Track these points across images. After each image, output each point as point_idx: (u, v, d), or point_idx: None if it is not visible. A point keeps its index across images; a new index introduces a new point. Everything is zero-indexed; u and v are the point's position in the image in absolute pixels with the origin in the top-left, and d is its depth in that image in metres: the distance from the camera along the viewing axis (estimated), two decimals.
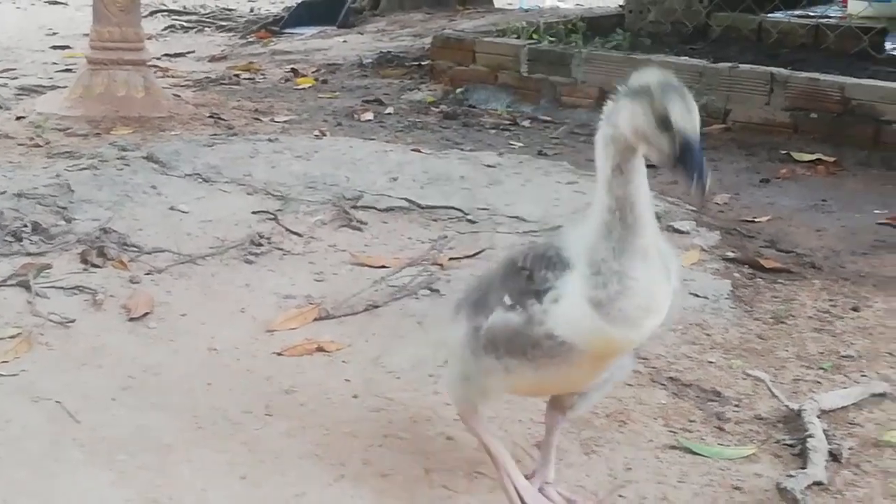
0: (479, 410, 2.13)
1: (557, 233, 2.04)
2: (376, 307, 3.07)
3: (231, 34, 8.98)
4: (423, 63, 6.98)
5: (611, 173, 1.75)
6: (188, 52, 8.07)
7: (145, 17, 8.48)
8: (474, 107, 6.08)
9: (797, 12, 7.24)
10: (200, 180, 4.16)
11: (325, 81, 6.85)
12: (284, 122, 5.59)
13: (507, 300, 1.93)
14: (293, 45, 8.22)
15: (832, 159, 4.82)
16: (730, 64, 5.38)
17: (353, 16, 9.21)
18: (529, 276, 1.88)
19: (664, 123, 1.67)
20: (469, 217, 3.86)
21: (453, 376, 2.13)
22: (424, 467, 2.25)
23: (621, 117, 1.72)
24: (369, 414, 2.47)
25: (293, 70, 7.14)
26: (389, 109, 5.97)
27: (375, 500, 2.12)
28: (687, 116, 1.67)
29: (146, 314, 2.96)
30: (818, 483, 2.19)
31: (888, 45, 6.32)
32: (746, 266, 3.46)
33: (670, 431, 2.43)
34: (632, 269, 1.77)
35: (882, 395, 2.59)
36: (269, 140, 4.72)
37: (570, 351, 1.86)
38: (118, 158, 4.33)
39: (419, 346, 2.80)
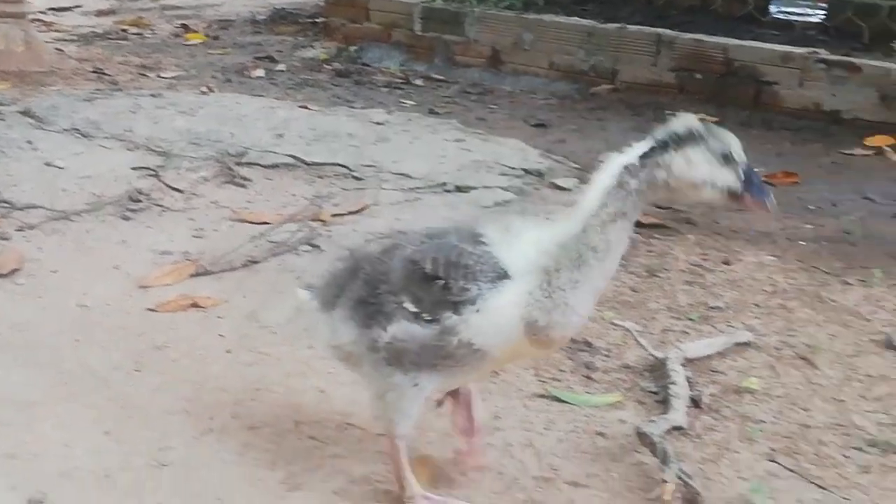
0: (402, 433, 1.93)
1: (463, 231, 1.86)
2: (255, 263, 3.04)
3: None
4: (317, 20, 6.90)
5: (612, 217, 1.73)
6: (75, 7, 7.81)
7: None
8: (368, 65, 6.04)
9: None
10: (79, 135, 4.05)
11: (216, 37, 6.72)
12: (172, 78, 5.46)
13: (411, 307, 1.81)
14: (185, 1, 8.02)
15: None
16: (618, 25, 5.44)
17: None
18: (445, 285, 1.77)
19: (726, 159, 1.74)
20: (355, 174, 3.85)
21: (371, 398, 1.94)
22: (294, 420, 2.25)
23: (676, 166, 1.72)
24: (242, 368, 2.45)
25: (183, 25, 6.99)
26: (281, 66, 5.89)
27: (241, 453, 2.11)
28: (740, 148, 1.76)
29: (14, 270, 2.88)
30: (678, 427, 2.26)
31: (772, 9, 6.47)
32: None
33: (540, 381, 2.48)
34: (581, 306, 1.76)
35: (746, 344, 2.68)
36: (153, 95, 4.61)
37: (483, 358, 1.82)
38: None
39: (296, 302, 2.79)
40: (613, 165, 1.75)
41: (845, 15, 5.77)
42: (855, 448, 2.24)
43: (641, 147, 1.75)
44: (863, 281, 3.10)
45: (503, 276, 1.76)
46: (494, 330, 1.77)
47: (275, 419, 2.24)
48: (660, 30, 5.32)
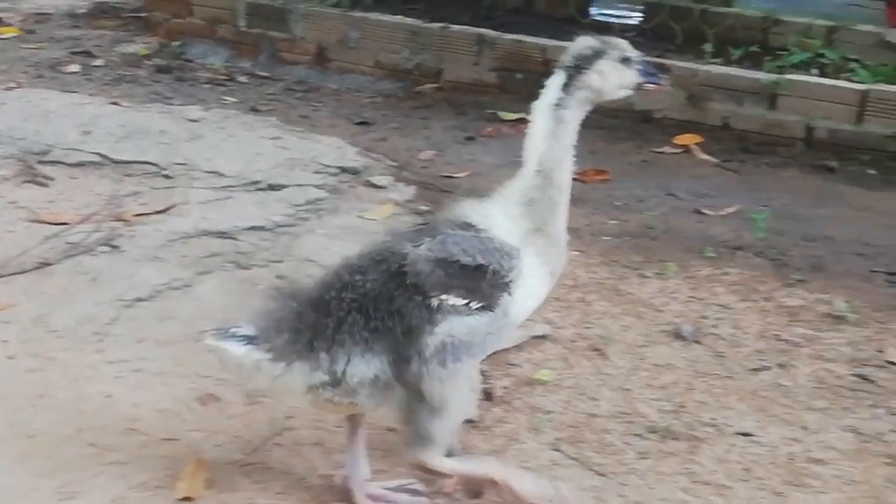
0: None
1: (453, 223, 1.93)
2: (48, 265, 2.93)
3: None
4: (140, 15, 6.69)
5: (562, 152, 2.01)
6: None
7: None
8: (191, 61, 5.89)
9: None
10: None
11: (31, 31, 6.43)
12: None
13: (459, 301, 1.82)
14: None
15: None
16: (441, 24, 5.49)
17: None
18: (494, 271, 1.85)
19: (625, 61, 2.01)
20: (165, 172, 3.75)
21: (421, 419, 1.86)
22: (77, 426, 2.18)
23: (593, 81, 2.00)
24: (23, 375, 2.36)
25: None
26: (99, 62, 5.68)
27: (17, 461, 2.03)
28: (630, 47, 2.04)
29: None
30: (469, 421, 2.29)
31: (593, 11, 6.66)
32: None
33: None
34: (565, 229, 2.05)
35: (543, 337, 2.75)
36: None
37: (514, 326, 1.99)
38: None
39: (89, 304, 2.70)
40: (542, 110, 2.01)
41: (660, 17, 5.98)
42: (636, 435, 2.32)
43: (557, 81, 2.01)
44: (659, 274, 3.22)
45: (518, 250, 1.92)
46: (536, 296, 1.97)
47: (56, 426, 2.17)
48: (482, 30, 5.39)
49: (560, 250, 2.01)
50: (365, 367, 1.82)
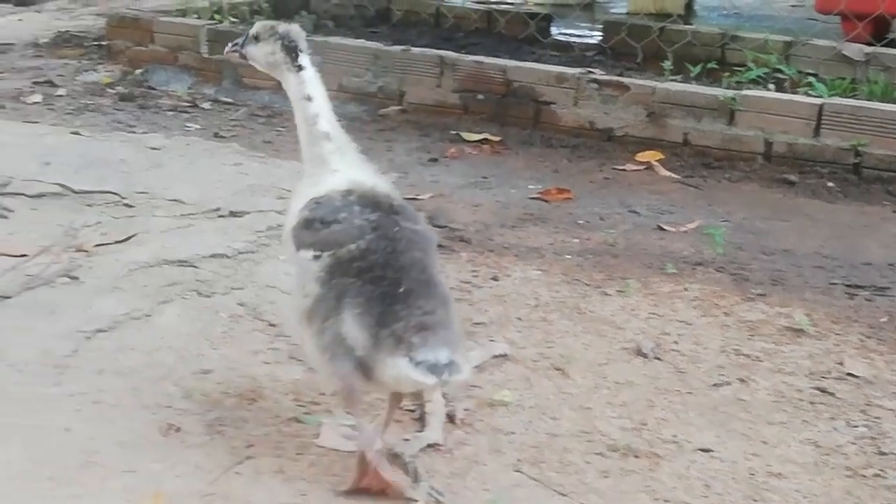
0: None
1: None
2: (6, 298, 2.90)
3: None
4: (102, 43, 6.68)
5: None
6: None
7: None
8: (154, 88, 5.88)
9: None
10: None
11: None
12: None
13: None
14: None
15: (498, 138, 5.06)
16: (402, 47, 5.52)
17: None
18: None
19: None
20: (126, 201, 3.74)
21: None
22: (35, 459, 2.16)
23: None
24: None
25: None
26: (61, 91, 5.66)
27: None
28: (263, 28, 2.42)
29: None
30: (432, 445, 2.30)
31: (553, 31, 6.71)
32: None
33: (299, 405, 2.47)
34: None
35: (504, 357, 2.76)
36: None
37: None
38: None
39: (47, 337, 2.68)
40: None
41: (620, 36, 6.05)
42: (597, 454, 2.33)
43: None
44: (620, 291, 3.25)
45: None
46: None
47: (13, 460, 2.14)
48: (442, 52, 5.43)
49: None
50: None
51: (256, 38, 2.41)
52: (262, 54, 2.41)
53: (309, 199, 2.26)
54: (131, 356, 2.64)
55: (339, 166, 2.29)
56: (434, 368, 1.97)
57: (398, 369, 1.99)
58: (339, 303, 2.07)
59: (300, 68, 2.35)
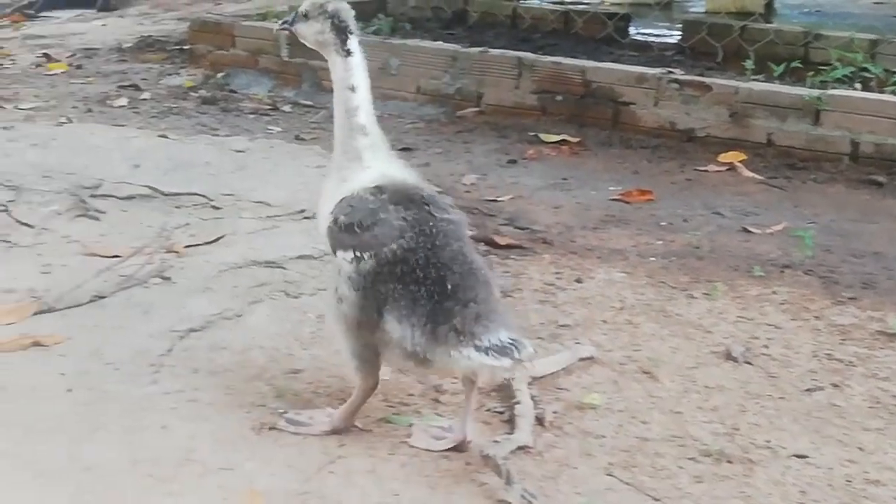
0: None
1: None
2: (102, 298, 2.98)
3: None
4: (184, 47, 6.81)
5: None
6: None
7: None
8: (235, 91, 5.98)
9: None
10: None
11: (79, 66, 6.56)
12: (30, 109, 5.31)
13: None
14: (48, 29, 7.83)
15: (576, 139, 5.03)
16: (480, 49, 5.52)
17: None
18: None
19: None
20: (213, 203, 3.81)
21: None
22: (133, 458, 2.21)
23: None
24: (80, 408, 2.39)
25: (45, 55, 6.81)
26: (146, 95, 5.79)
27: (75, 495, 2.06)
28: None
29: None
30: (523, 447, 2.30)
31: (631, 31, 6.66)
32: (482, 243, 3.57)
33: (388, 406, 2.49)
34: None
35: (590, 360, 2.74)
36: (5, 128, 4.49)
37: None
38: None
39: (143, 336, 2.75)
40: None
41: (699, 35, 5.98)
42: (689, 459, 2.31)
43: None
44: (707, 294, 3.21)
45: None
46: None
47: (112, 459, 2.20)
48: (521, 53, 5.42)
49: None
50: None
51: (306, 16, 2.37)
52: (311, 32, 2.38)
53: (340, 197, 2.29)
54: (224, 355, 2.69)
55: (372, 163, 2.32)
56: (502, 350, 2.09)
57: (469, 360, 2.10)
58: (382, 305, 2.16)
59: (348, 53, 2.33)
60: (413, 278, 2.15)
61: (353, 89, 2.32)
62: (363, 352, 2.25)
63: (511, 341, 2.11)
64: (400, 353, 2.19)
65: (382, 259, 2.17)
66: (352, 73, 2.32)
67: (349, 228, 2.22)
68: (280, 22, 2.51)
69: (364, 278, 2.18)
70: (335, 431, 2.32)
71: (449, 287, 2.14)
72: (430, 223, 2.21)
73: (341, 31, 2.33)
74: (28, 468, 2.13)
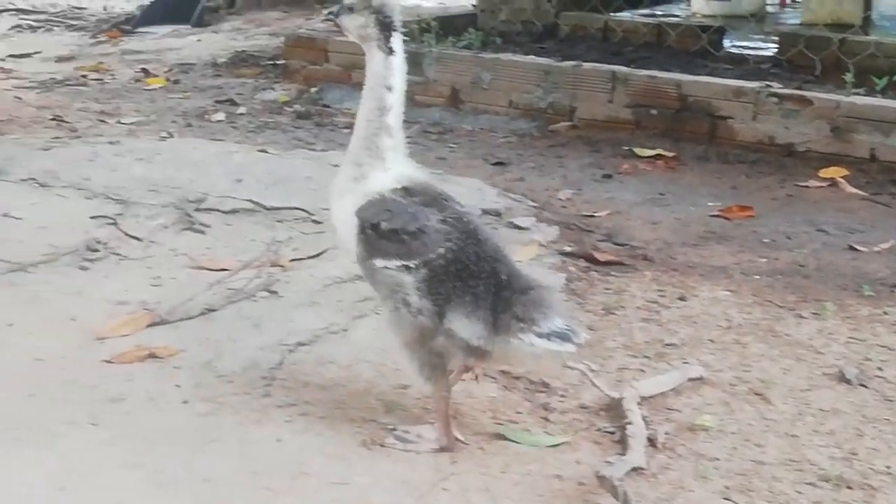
0: None
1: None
2: (213, 311, 3.04)
3: (81, 34, 8.71)
4: (277, 62, 6.92)
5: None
6: (35, 53, 7.78)
7: None
8: (329, 106, 6.06)
9: (642, 11, 7.45)
10: (36, 185, 4.04)
11: (176, 81, 6.72)
12: (131, 123, 5.45)
13: None
14: (145, 45, 8.02)
15: (672, 154, 4.98)
16: (574, 63, 5.51)
17: (209, 14, 9.05)
18: None
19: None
20: (314, 217, 3.86)
21: None
22: (250, 470, 2.24)
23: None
24: (197, 419, 2.44)
25: (144, 70, 6.98)
26: (242, 109, 5.90)
27: None
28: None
29: None
30: (636, 469, 2.28)
31: (726, 43, 6.57)
32: (582, 260, 3.56)
33: (497, 423, 2.49)
34: None
35: (699, 380, 2.71)
36: (111, 143, 4.61)
37: None
38: None
39: (253, 349, 2.79)
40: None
41: (797, 48, 5.87)
42: (808, 484, 2.26)
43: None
44: (816, 314, 3.14)
45: None
46: None
47: (229, 470, 2.24)
48: (615, 67, 5.39)
49: None
50: None
51: (351, 9, 2.35)
52: (354, 25, 2.36)
53: (365, 199, 2.29)
54: (332, 369, 2.72)
55: (393, 164, 2.35)
56: (564, 335, 2.17)
57: (532, 346, 2.17)
58: (444, 306, 2.21)
59: (391, 51, 2.32)
60: (469, 273, 2.21)
61: (389, 89, 2.33)
62: (431, 359, 2.28)
63: (566, 327, 2.18)
64: (462, 350, 2.24)
65: (435, 263, 2.21)
66: (392, 72, 2.33)
67: (392, 235, 2.24)
68: (326, 13, 2.52)
69: (425, 283, 2.21)
70: (442, 449, 2.33)
71: (504, 278, 2.22)
72: (465, 219, 2.28)
73: (385, 28, 2.32)
74: (150, 478, 2.18)
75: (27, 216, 3.71)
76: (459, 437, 2.37)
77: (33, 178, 4.07)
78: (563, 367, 2.61)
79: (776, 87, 4.97)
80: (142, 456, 2.26)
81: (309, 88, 6.25)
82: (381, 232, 2.26)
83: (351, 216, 2.32)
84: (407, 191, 2.32)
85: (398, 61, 2.32)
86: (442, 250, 2.22)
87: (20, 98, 5.89)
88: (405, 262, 2.23)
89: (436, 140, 5.33)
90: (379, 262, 2.27)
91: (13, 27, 9.07)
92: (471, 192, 4.20)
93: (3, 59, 7.29)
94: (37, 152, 4.37)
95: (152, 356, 2.75)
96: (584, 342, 2.20)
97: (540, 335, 2.16)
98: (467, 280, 2.22)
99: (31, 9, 10.08)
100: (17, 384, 2.57)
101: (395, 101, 2.33)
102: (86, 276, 3.28)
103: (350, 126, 5.50)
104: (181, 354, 2.77)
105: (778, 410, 2.57)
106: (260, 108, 5.95)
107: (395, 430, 2.39)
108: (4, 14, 9.69)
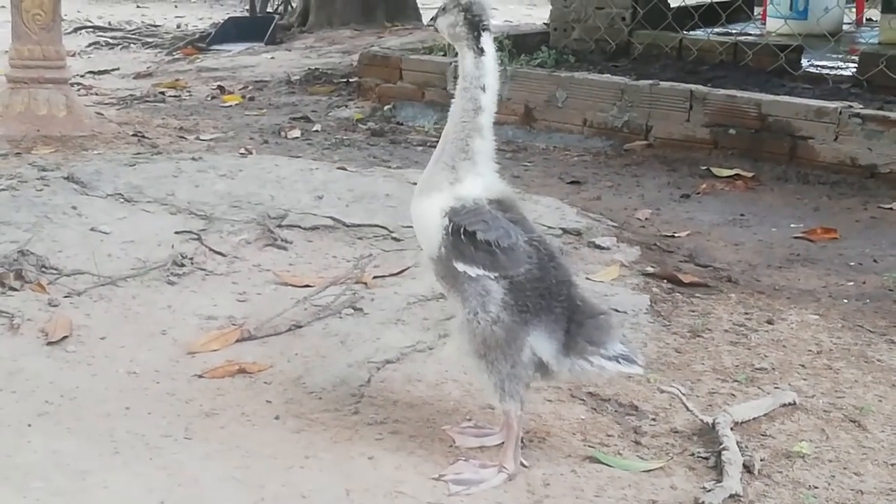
0: None
1: None
2: (299, 327, 3.06)
3: (157, 51, 8.91)
4: (351, 80, 7.00)
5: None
6: (113, 70, 7.98)
7: (68, 33, 8.39)
8: (402, 124, 6.11)
9: (717, 30, 7.40)
10: (122, 200, 4.11)
11: (252, 98, 6.83)
12: (210, 140, 5.55)
13: None
14: (220, 62, 8.17)
15: (750, 174, 4.94)
16: (650, 81, 5.48)
17: (281, 32, 9.19)
18: None
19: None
20: (394, 235, 3.87)
21: None
22: (345, 488, 2.25)
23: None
24: (290, 435, 2.46)
25: (220, 87, 7.11)
26: (317, 127, 5.97)
27: None
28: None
29: (64, 338, 2.92)
30: (734, 496, 2.24)
31: (804, 62, 6.49)
32: (665, 281, 3.53)
33: (588, 446, 2.47)
34: None
35: (792, 405, 2.66)
36: (193, 159, 4.68)
37: None
38: (38, 179, 4.26)
39: (342, 366, 2.81)
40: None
41: (877, 68, 5.78)
42: None
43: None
44: None
45: None
46: None
47: (325, 487, 2.25)
48: (692, 86, 5.35)
49: None
50: None
51: (444, 9, 2.34)
52: (446, 25, 2.33)
53: (458, 201, 2.29)
54: (419, 388, 2.73)
55: (483, 170, 2.34)
56: (628, 358, 2.29)
57: (603, 368, 2.28)
58: (527, 323, 2.25)
59: (481, 51, 2.27)
60: (550, 294, 2.27)
61: (483, 89, 2.29)
62: (511, 374, 2.27)
63: (626, 350, 2.31)
64: (533, 369, 2.30)
65: (517, 279, 2.24)
66: (484, 72, 2.27)
67: (484, 246, 2.24)
68: (431, 19, 2.57)
69: (509, 295, 2.24)
70: (511, 478, 2.29)
71: (578, 302, 2.30)
72: (546, 243, 2.34)
73: (474, 26, 2.27)
74: (252, 493, 2.20)
75: (115, 231, 3.78)
76: (525, 462, 2.35)
77: (119, 193, 4.14)
78: (657, 390, 2.58)
79: (858, 107, 4.90)
80: (239, 470, 2.28)
81: (382, 106, 6.32)
82: (474, 240, 2.26)
83: (438, 215, 2.32)
84: (500, 203, 2.33)
85: (490, 61, 2.28)
86: (523, 270, 2.25)
87: (101, 114, 6.01)
88: (489, 273, 2.25)
89: (510, 158, 5.33)
90: (461, 266, 2.28)
91: (91, 44, 9.31)
92: (550, 211, 4.19)
93: (82, 76, 7.47)
94: (122, 168, 4.45)
95: (242, 371, 2.78)
96: (644, 366, 2.33)
97: (608, 358, 2.27)
98: (549, 300, 2.27)
99: (107, 26, 10.35)
100: (114, 397, 2.61)
101: (489, 101, 2.30)
102: (174, 291, 3.33)
103: (424, 143, 5.59)
104: (270, 370, 2.80)
105: (875, 438, 2.52)
106: (334, 126, 6.02)
107: (443, 475, 2.30)
108: (82, 31, 9.95)
